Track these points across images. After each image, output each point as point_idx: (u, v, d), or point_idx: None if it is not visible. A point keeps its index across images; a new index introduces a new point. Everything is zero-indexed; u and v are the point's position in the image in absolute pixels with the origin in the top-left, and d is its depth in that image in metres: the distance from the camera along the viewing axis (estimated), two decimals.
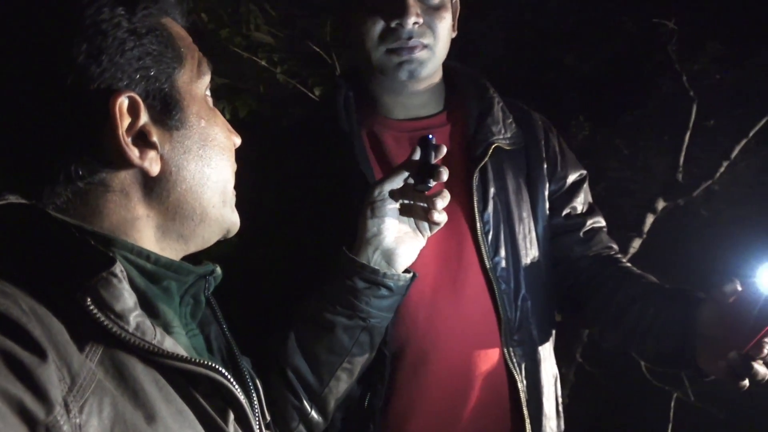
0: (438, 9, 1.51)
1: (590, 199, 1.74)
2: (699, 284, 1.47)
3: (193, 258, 0.98)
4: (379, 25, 1.48)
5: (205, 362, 0.84)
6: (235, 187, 1.00)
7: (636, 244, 3.56)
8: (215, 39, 3.17)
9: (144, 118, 0.84)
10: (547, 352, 1.61)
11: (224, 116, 0.99)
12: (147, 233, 0.89)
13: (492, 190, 1.55)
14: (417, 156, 1.30)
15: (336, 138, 1.54)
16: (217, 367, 0.86)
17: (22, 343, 0.67)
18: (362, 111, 1.60)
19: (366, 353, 1.34)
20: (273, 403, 1.17)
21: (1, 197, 0.79)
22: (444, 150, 1.30)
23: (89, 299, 0.74)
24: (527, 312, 1.55)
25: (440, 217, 1.27)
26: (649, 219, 3.61)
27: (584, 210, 1.71)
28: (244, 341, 1.10)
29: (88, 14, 0.80)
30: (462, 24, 1.62)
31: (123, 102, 0.81)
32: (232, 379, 0.88)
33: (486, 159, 1.55)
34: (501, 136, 1.58)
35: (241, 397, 0.90)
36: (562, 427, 1.66)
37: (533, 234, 1.60)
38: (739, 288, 1.28)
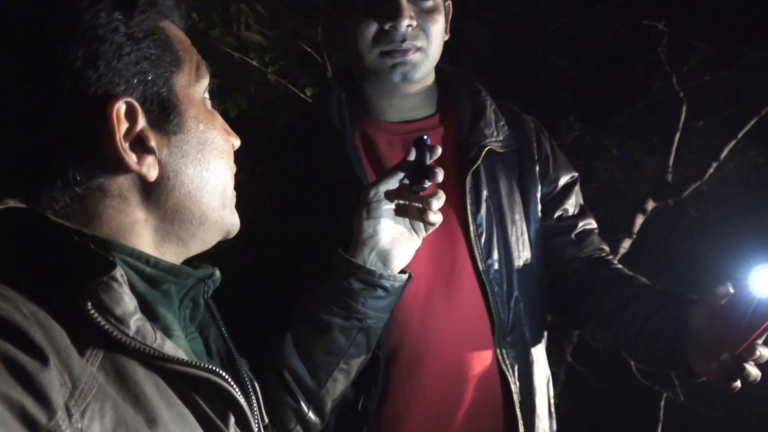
0: (431, 12, 1.51)
1: (581, 201, 1.75)
2: (689, 284, 1.48)
3: (188, 258, 0.98)
4: (373, 28, 1.49)
5: (206, 365, 0.85)
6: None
7: (626, 244, 3.56)
8: (206, 39, 3.17)
9: (142, 122, 0.84)
10: (539, 353, 1.62)
11: None
12: (146, 237, 0.89)
13: (485, 193, 1.56)
14: (412, 157, 1.31)
15: (329, 140, 1.54)
16: (217, 370, 0.86)
17: (23, 347, 0.67)
18: (355, 113, 1.61)
19: (362, 354, 1.34)
20: (270, 404, 1.17)
21: (1, 202, 0.79)
22: (439, 151, 1.31)
23: (90, 303, 0.74)
24: (520, 314, 1.56)
25: (435, 217, 1.27)
26: (639, 219, 3.62)
27: (576, 212, 1.72)
28: (240, 343, 1.11)
29: (85, 19, 0.79)
30: (453, 24, 1.63)
31: (120, 107, 0.81)
32: (232, 382, 0.89)
33: (479, 162, 1.55)
34: (493, 139, 1.59)
35: (241, 399, 0.90)
36: (554, 427, 1.67)
37: (525, 236, 1.61)
38: (731, 290, 1.29)
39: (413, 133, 1.54)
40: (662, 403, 3.69)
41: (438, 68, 1.63)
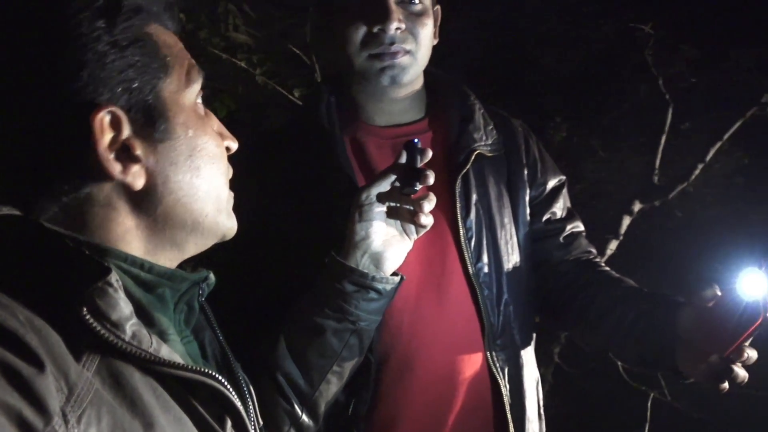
0: (420, 15, 1.51)
1: (569, 204, 1.76)
2: (675, 284, 1.49)
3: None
4: (362, 31, 1.48)
5: (202, 369, 0.84)
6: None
7: (613, 245, 3.58)
8: (194, 40, 3.16)
9: (127, 131, 0.83)
10: (528, 356, 1.63)
11: None
12: (137, 244, 0.88)
13: (474, 197, 1.56)
14: (403, 160, 1.31)
15: (320, 144, 1.54)
16: (213, 373, 0.86)
17: (19, 354, 0.67)
18: (344, 117, 1.60)
19: (355, 356, 1.35)
20: (264, 407, 1.16)
21: None
22: (429, 154, 1.31)
23: (85, 309, 0.74)
24: (510, 317, 1.56)
25: (426, 219, 1.28)
26: (626, 220, 3.64)
27: (563, 215, 1.72)
28: (234, 346, 1.11)
29: (68, 28, 0.79)
30: (441, 24, 1.63)
31: (104, 117, 0.80)
32: (228, 385, 0.88)
33: (468, 166, 1.56)
34: (482, 143, 1.59)
35: (238, 403, 0.90)
36: (544, 429, 1.68)
37: (515, 239, 1.61)
38: (718, 293, 1.30)
39: (402, 138, 1.53)
40: (649, 403, 3.71)
41: (427, 72, 1.64)
